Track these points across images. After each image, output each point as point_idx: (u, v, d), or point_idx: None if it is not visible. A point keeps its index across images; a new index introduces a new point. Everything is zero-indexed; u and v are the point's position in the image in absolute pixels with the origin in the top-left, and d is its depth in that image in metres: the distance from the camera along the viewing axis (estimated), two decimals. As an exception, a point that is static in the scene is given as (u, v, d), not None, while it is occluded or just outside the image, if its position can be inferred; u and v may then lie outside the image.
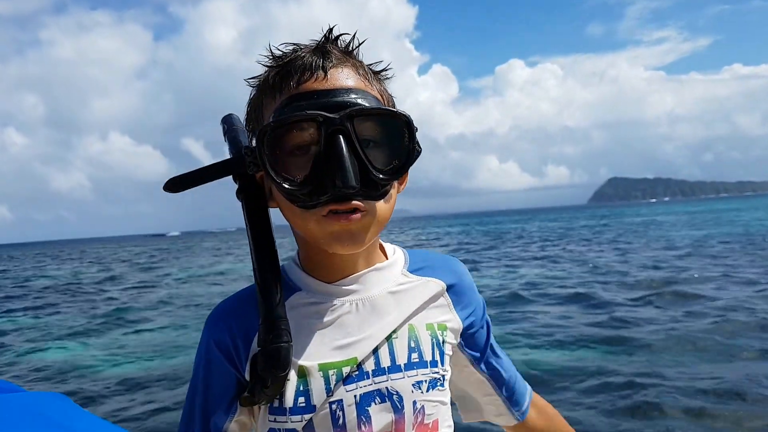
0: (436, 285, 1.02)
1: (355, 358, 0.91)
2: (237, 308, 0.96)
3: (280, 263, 0.97)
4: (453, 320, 1.02)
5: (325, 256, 0.94)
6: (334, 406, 0.90)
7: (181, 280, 22.08)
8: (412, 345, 0.95)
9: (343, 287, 0.95)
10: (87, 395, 7.07)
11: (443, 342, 0.99)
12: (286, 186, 0.84)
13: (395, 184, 0.92)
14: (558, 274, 16.13)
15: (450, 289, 1.03)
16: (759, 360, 6.67)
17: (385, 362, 0.93)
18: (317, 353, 0.91)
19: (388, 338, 0.94)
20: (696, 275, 13.36)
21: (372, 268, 0.97)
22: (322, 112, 0.82)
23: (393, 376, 0.92)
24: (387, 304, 0.96)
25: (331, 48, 0.90)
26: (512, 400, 1.13)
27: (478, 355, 1.08)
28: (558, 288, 13.21)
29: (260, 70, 0.93)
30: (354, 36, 0.92)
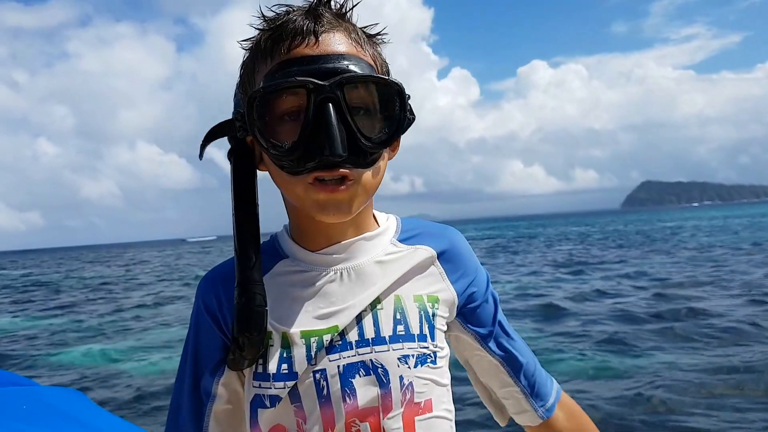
0: (425, 251, 0.98)
1: (337, 326, 0.90)
2: (225, 273, 0.96)
3: (275, 232, 1.01)
4: (445, 290, 0.98)
5: (312, 224, 0.93)
6: (317, 376, 0.89)
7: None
8: (398, 317, 0.93)
9: (328, 256, 0.94)
10: (109, 396, 7.04)
11: (433, 315, 0.96)
12: (274, 152, 0.84)
13: (385, 153, 0.91)
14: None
15: (441, 256, 1.00)
16: None
17: (369, 333, 0.91)
18: (300, 321, 0.91)
19: (373, 308, 0.92)
20: None
21: (360, 237, 0.96)
22: (312, 79, 0.81)
23: (377, 348, 0.90)
24: (373, 274, 0.94)
25: (323, 11, 0.87)
26: (534, 392, 1.05)
27: (484, 331, 1.03)
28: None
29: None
30: None
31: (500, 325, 1.04)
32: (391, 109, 0.86)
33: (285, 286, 0.94)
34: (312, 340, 0.90)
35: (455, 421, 0.98)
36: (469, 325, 1.02)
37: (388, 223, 1.01)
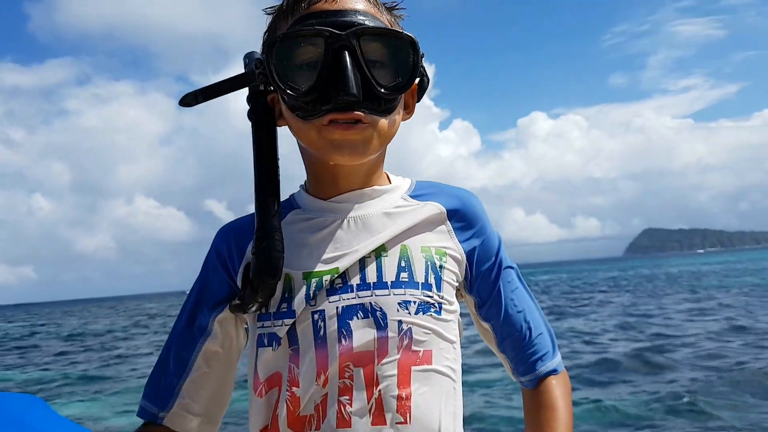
0: (435, 207, 1.00)
1: (337, 268, 0.92)
2: (240, 225, 1.02)
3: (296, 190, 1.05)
4: (454, 249, 0.98)
5: (325, 171, 0.96)
6: (316, 316, 0.90)
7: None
8: (402, 264, 0.94)
9: (337, 204, 0.97)
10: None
11: (441, 267, 0.96)
12: (291, 93, 0.86)
13: (401, 108, 0.95)
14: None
15: (452, 215, 1.00)
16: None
17: (371, 278, 0.92)
18: (302, 263, 0.94)
19: (378, 255, 0.93)
20: None
21: (370, 188, 0.98)
22: (330, 29, 0.85)
23: (378, 292, 0.91)
24: (380, 224, 0.96)
25: None
26: (519, 363, 1.04)
27: (479, 299, 1.03)
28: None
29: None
30: None
31: (498, 292, 1.02)
32: (404, 61, 0.89)
33: (293, 232, 0.96)
34: (312, 280, 0.91)
35: (463, 382, 0.96)
36: (469, 289, 1.01)
37: (402, 181, 1.04)
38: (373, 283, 0.91)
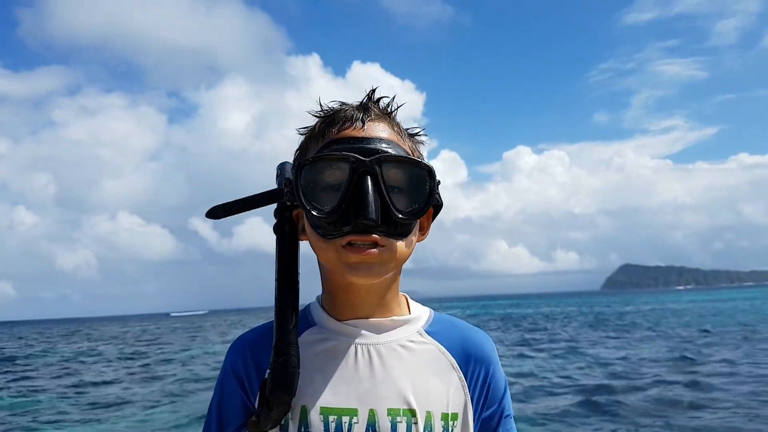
0: (447, 358, 1.01)
1: (356, 409, 0.94)
2: (256, 339, 1.03)
3: (309, 303, 1.06)
4: (461, 402, 1.00)
5: (343, 292, 1.00)
6: None
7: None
8: None
9: (353, 327, 0.99)
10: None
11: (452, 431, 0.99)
12: (314, 213, 0.92)
13: (416, 230, 0.99)
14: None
15: (462, 358, 1.02)
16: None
17: None
18: (319, 395, 0.95)
19: (406, 417, 0.94)
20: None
21: (389, 318, 1.01)
22: (355, 155, 0.91)
23: None
24: (394, 358, 0.97)
25: (371, 106, 1.01)
26: None
27: None
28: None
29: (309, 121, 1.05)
30: (393, 99, 1.03)
31: None
32: (422, 188, 0.95)
33: (309, 355, 0.97)
34: (330, 418, 0.93)
35: None
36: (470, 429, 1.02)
37: (420, 312, 1.06)
38: None
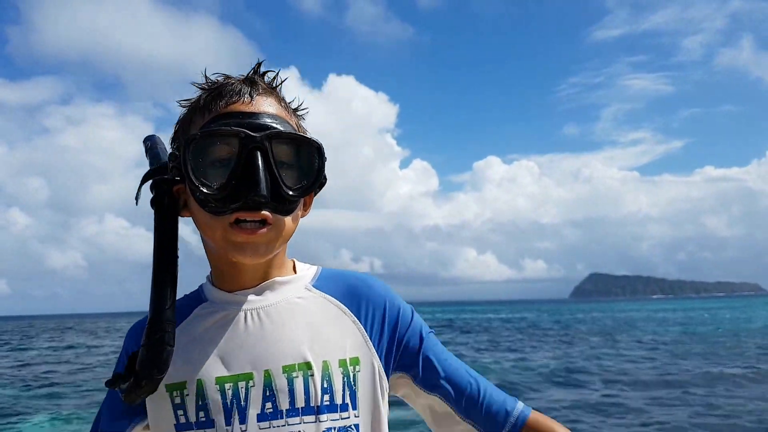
0: (337, 305, 1.01)
1: (251, 374, 0.93)
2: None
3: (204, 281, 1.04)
4: (366, 351, 0.99)
5: (229, 266, 0.98)
6: None
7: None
8: (325, 385, 0.94)
9: (241, 296, 0.98)
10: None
11: (354, 380, 0.96)
12: (204, 190, 0.88)
13: (301, 206, 0.97)
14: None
15: (355, 307, 1.01)
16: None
17: (300, 402, 0.92)
18: (213, 366, 0.94)
19: (304, 374, 0.93)
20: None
21: (273, 279, 0.99)
22: (245, 130, 0.88)
23: (306, 418, 0.92)
24: (284, 316, 0.97)
25: (258, 80, 0.98)
26: (482, 418, 1.01)
27: (410, 373, 1.02)
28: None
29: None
30: (277, 74, 1.00)
31: (428, 359, 1.02)
32: (311, 165, 0.93)
33: (201, 328, 0.97)
34: (227, 386, 0.92)
35: None
36: (396, 371, 1.01)
37: (308, 271, 1.05)
38: (302, 408, 0.91)
